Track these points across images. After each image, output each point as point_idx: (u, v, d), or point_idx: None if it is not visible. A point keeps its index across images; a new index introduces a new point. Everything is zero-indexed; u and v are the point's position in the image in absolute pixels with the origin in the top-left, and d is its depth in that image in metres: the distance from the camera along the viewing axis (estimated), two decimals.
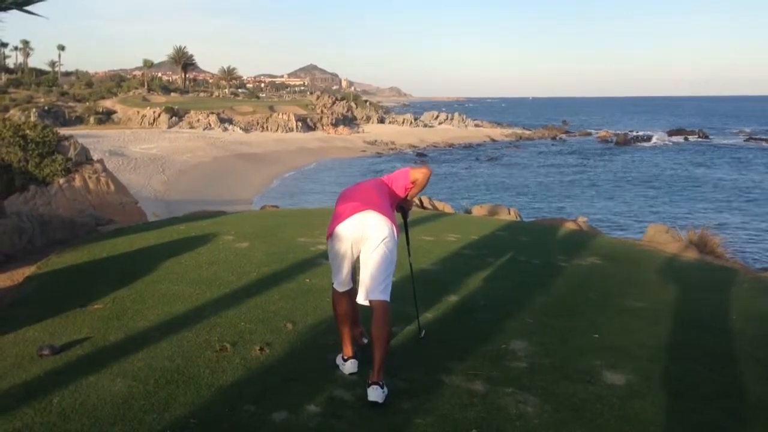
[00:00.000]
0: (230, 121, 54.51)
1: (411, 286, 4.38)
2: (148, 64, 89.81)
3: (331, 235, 3.66)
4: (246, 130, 53.19)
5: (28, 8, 6.40)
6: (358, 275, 3.65)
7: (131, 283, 5.37)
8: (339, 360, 3.81)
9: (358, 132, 59.84)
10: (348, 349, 3.77)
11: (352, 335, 3.82)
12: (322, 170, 38.97)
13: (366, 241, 3.54)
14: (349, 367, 3.71)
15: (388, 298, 3.52)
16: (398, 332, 4.33)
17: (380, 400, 3.29)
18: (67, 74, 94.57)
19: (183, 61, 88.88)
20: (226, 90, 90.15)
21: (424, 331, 4.31)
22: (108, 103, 60.24)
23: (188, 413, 3.17)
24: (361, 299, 3.58)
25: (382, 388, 3.33)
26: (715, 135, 68.89)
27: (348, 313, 3.77)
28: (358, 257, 3.64)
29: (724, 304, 5.59)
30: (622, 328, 4.69)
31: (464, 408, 3.33)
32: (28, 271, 5.89)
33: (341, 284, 3.74)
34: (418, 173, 3.88)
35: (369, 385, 3.35)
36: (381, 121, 68.43)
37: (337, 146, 50.12)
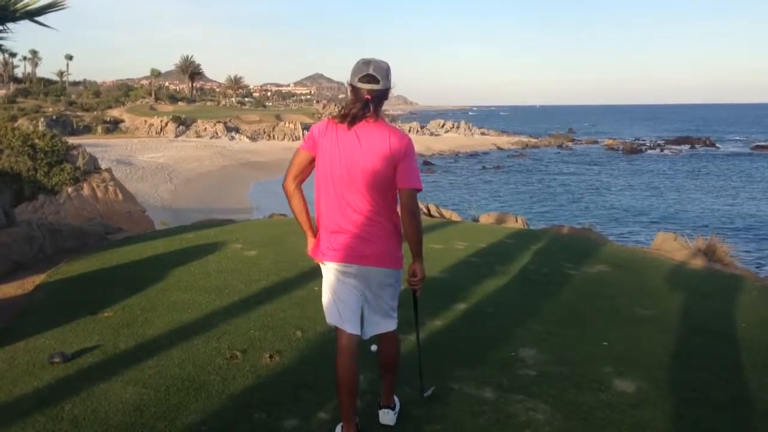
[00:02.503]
0: (237, 130, 54.68)
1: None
2: (156, 74, 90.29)
3: (317, 258, 3.04)
4: (253, 138, 53.36)
5: (38, 18, 6.49)
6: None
7: (141, 291, 5.40)
8: None
9: None
10: (350, 426, 2.94)
11: (355, 404, 2.99)
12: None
13: (366, 288, 2.98)
14: None
15: (395, 327, 3.08)
16: (405, 339, 4.32)
17: (392, 423, 3.19)
18: (75, 84, 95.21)
19: (190, 70, 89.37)
20: (233, 99, 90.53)
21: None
22: (115, 113, 60.56)
23: (199, 421, 3.19)
24: (366, 335, 3.07)
25: (394, 409, 3.25)
26: (721, 143, 68.76)
27: (353, 372, 2.93)
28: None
29: (733, 311, 5.57)
30: (631, 336, 4.68)
31: (474, 415, 3.34)
32: (39, 279, 5.93)
33: (337, 321, 2.99)
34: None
35: (380, 408, 3.25)
36: None
37: None
